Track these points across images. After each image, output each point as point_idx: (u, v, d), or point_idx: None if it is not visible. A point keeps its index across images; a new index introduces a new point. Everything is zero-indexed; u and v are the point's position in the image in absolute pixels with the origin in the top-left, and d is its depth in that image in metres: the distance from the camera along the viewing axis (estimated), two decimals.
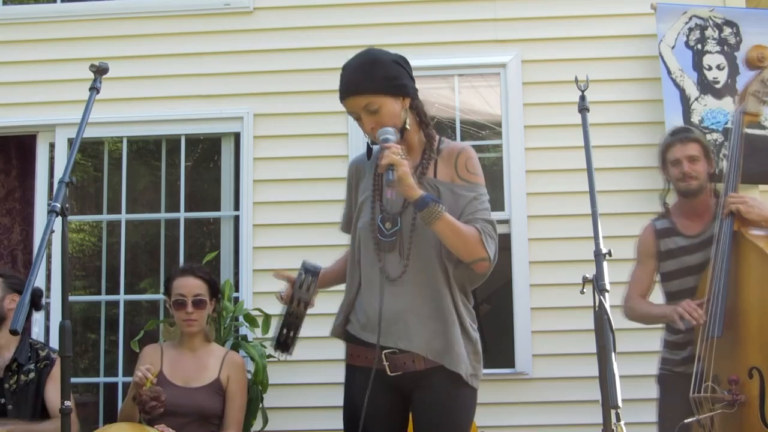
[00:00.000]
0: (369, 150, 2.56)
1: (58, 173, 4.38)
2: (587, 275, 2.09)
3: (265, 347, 3.94)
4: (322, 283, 2.51)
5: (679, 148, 3.29)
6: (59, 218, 2.27)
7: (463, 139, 4.47)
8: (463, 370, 2.42)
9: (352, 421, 2.45)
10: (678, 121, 4.19)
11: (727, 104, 4.24)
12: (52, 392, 3.41)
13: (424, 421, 2.43)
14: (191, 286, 3.34)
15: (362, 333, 2.47)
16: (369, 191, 2.54)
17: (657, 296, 3.47)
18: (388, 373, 2.41)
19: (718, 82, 4.27)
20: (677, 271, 3.32)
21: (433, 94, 4.48)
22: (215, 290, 3.44)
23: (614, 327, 2.01)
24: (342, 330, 2.56)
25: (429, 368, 2.41)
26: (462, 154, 2.48)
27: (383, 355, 2.40)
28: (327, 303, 2.78)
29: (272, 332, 2.66)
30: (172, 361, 3.36)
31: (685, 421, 3.02)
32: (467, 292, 2.52)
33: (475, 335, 2.48)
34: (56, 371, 3.44)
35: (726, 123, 4.17)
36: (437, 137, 2.54)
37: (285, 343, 2.43)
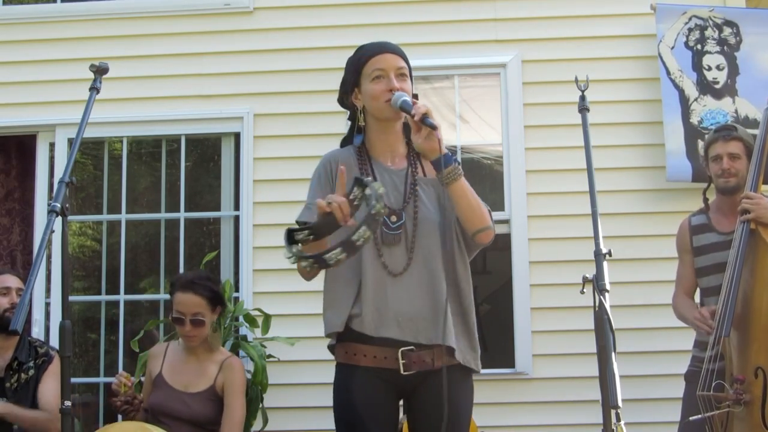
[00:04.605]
0: (352, 135, 2.52)
1: (58, 173, 4.38)
2: (587, 275, 2.09)
3: (265, 347, 3.94)
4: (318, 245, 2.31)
5: (721, 145, 3.31)
6: (59, 218, 2.27)
7: (463, 139, 4.48)
8: (476, 365, 2.43)
9: (365, 426, 2.38)
10: (677, 122, 4.20)
11: (727, 104, 4.23)
12: (46, 388, 3.42)
13: (433, 418, 2.37)
14: (190, 304, 3.26)
15: (378, 330, 2.35)
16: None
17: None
18: (401, 372, 2.35)
19: (717, 83, 4.27)
20: (709, 268, 3.33)
21: (433, 94, 4.48)
22: (218, 302, 3.37)
23: (614, 327, 2.01)
24: (345, 326, 2.40)
25: (444, 366, 2.34)
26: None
27: (400, 353, 2.34)
28: None
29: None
30: (173, 363, 3.36)
31: (691, 418, 3.02)
32: (470, 280, 2.49)
33: (475, 325, 2.47)
34: (53, 368, 3.45)
35: (717, 124, 4.17)
36: None
37: (355, 243, 2.15)
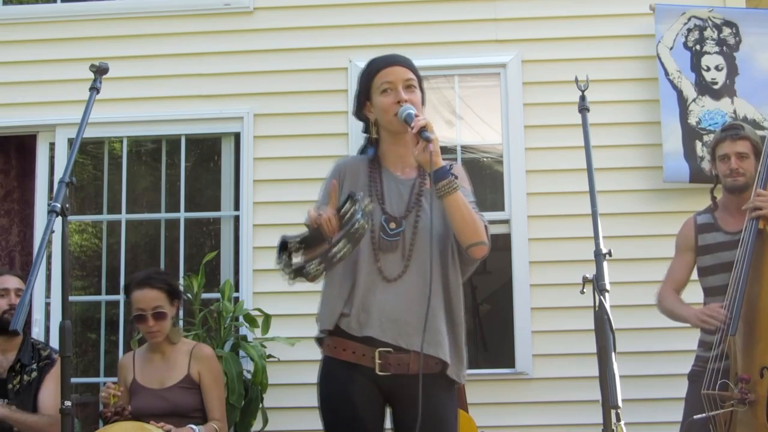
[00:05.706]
0: (367, 146, 2.62)
1: (58, 173, 4.38)
2: (587, 275, 2.09)
3: (265, 347, 3.94)
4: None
5: (729, 144, 3.30)
6: (59, 218, 2.27)
7: (463, 138, 4.48)
8: (460, 377, 2.46)
9: (353, 421, 2.42)
10: (675, 123, 4.20)
11: (725, 105, 4.23)
12: (47, 391, 3.41)
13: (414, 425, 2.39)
14: (149, 299, 3.30)
15: (362, 330, 2.42)
16: (366, 191, 2.53)
17: (689, 293, 3.47)
18: (377, 371, 2.40)
19: (716, 83, 4.26)
20: (714, 267, 3.32)
21: (433, 94, 4.48)
22: (175, 294, 3.41)
23: (614, 327, 2.01)
24: (335, 324, 2.46)
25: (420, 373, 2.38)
26: (453, 167, 2.53)
27: (377, 353, 2.40)
28: None
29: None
30: (143, 366, 3.39)
31: (694, 417, 3.02)
32: (461, 293, 2.53)
33: (463, 337, 2.50)
34: (55, 371, 3.45)
35: (724, 124, 4.17)
36: None
37: (332, 258, 2.27)
